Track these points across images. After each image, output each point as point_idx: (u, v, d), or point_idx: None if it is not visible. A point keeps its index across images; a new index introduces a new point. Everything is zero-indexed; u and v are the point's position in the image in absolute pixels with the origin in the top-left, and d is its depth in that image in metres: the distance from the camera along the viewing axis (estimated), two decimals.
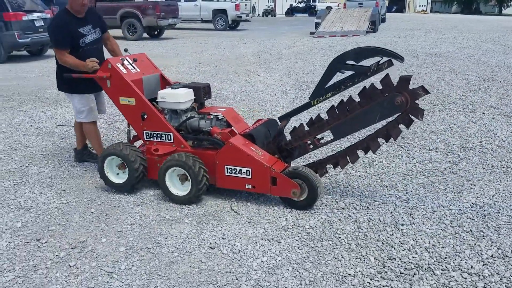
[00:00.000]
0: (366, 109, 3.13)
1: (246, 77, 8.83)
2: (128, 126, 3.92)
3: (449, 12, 51.96)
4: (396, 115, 3.12)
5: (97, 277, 2.57)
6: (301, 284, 2.48)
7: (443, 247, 2.78)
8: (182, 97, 3.58)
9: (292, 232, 3.01)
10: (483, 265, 2.59)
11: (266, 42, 14.94)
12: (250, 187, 3.35)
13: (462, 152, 4.41)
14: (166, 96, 3.60)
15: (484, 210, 3.23)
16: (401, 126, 3.15)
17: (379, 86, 3.09)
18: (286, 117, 3.64)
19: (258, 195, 3.54)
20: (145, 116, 3.56)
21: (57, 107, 6.50)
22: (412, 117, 3.06)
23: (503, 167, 4.03)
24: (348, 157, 3.40)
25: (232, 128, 3.60)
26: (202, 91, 3.77)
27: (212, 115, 3.75)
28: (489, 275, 2.49)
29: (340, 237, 2.94)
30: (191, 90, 3.68)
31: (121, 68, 3.60)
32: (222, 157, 3.37)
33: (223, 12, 20.85)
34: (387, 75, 3.08)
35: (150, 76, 3.84)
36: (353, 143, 3.47)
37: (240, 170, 3.32)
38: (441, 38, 14.74)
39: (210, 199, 3.49)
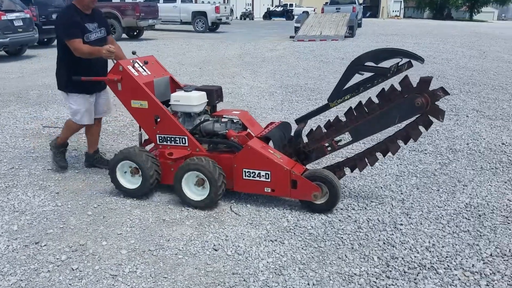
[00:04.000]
0: (385, 110, 3.12)
1: (231, 79, 8.82)
2: (140, 130, 3.80)
3: (422, 18, 53.31)
4: (415, 117, 3.11)
5: (102, 280, 2.52)
6: (308, 284, 2.50)
7: (443, 247, 2.84)
8: (196, 100, 3.51)
9: (294, 233, 3.02)
10: (484, 263, 2.66)
11: (248, 45, 14.97)
12: (269, 191, 3.29)
13: (451, 154, 4.53)
14: (180, 99, 3.53)
15: (479, 210, 3.32)
16: (421, 128, 3.15)
17: (398, 88, 3.09)
18: (303, 120, 3.61)
19: (256, 196, 3.54)
20: (158, 119, 3.48)
21: (41, 108, 6.34)
22: (432, 118, 3.06)
23: (492, 169, 4.16)
24: (366, 159, 3.38)
25: (249, 130, 3.54)
26: (215, 94, 3.73)
27: (226, 118, 3.69)
28: (490, 274, 2.56)
29: (342, 237, 2.97)
30: (204, 93, 3.62)
31: (133, 70, 3.51)
32: (240, 160, 3.30)
33: (203, 14, 20.81)
34: (406, 76, 3.08)
35: (160, 78, 3.76)
36: (371, 145, 3.45)
37: (259, 173, 3.27)
38: (417, 43, 15.11)
39: None
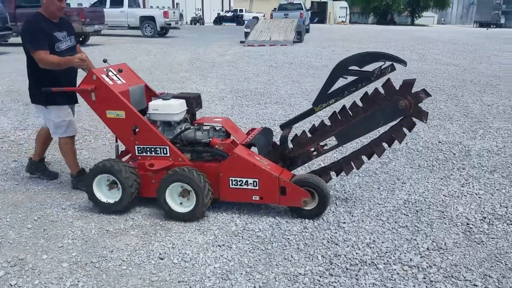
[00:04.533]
0: (370, 113, 3.16)
1: (181, 84, 8.75)
2: (116, 141, 3.66)
3: (367, 23, 55.30)
4: (399, 119, 3.16)
5: None
6: (255, 287, 2.52)
7: (383, 242, 2.96)
8: (176, 108, 3.41)
9: (242, 237, 3.04)
10: (421, 257, 2.80)
11: (198, 50, 14.91)
12: (258, 199, 3.25)
13: (391, 153, 4.73)
14: (159, 107, 3.41)
15: (416, 206, 3.50)
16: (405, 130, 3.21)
17: (381, 91, 3.14)
18: (288, 125, 3.59)
19: None
20: (137, 130, 3.33)
21: None
22: (416, 120, 3.12)
23: (429, 166, 4.39)
24: (352, 163, 3.41)
25: (233, 138, 3.48)
26: (194, 101, 3.64)
27: (208, 125, 3.60)
28: (427, 267, 2.70)
29: (288, 238, 3.02)
30: (183, 101, 3.52)
31: (107, 79, 3.36)
32: (226, 168, 3.24)
33: (151, 19, 20.49)
34: (389, 79, 3.13)
35: (135, 87, 3.63)
36: (357, 149, 3.48)
37: (247, 181, 3.21)
38: (362, 48, 15.65)
39: (156, 209, 3.42)
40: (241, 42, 17.76)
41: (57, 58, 3.45)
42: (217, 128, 3.59)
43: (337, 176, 3.67)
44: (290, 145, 3.57)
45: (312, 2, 51.93)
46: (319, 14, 51.18)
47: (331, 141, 3.41)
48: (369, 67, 3.17)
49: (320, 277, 2.60)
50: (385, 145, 3.33)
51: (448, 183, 3.96)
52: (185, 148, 3.46)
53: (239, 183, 3.24)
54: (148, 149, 3.37)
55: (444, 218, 3.31)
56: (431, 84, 8.59)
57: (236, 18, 39.11)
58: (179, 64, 11.50)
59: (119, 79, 3.52)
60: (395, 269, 2.67)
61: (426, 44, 17.44)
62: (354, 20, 61.99)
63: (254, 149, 3.44)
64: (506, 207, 3.48)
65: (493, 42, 19.11)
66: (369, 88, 3.24)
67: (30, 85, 3.68)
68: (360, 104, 3.27)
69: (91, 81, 3.33)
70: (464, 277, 2.58)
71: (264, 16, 29.73)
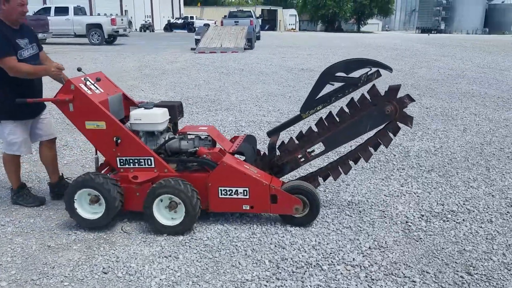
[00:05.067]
0: (357, 119, 3.20)
1: (129, 92, 8.55)
2: (96, 153, 3.50)
3: (315, 30, 56.74)
4: (384, 124, 3.22)
5: None
6: None
7: (327, 244, 3.05)
8: (160, 117, 3.30)
9: (190, 246, 3.03)
10: (363, 256, 2.90)
11: (147, 57, 14.69)
12: (248, 208, 3.20)
13: (335, 155, 4.87)
14: (142, 117, 3.29)
15: (359, 207, 3.62)
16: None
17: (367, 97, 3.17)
18: (275, 132, 3.55)
19: None
20: (119, 141, 3.19)
21: None
22: (401, 125, 3.19)
23: (371, 168, 4.56)
24: (340, 168, 3.44)
25: (219, 146, 3.41)
26: (177, 110, 3.53)
27: (192, 134, 3.51)
28: (369, 266, 2.80)
29: (236, 245, 3.04)
30: (166, 109, 3.41)
31: (85, 89, 3.20)
32: (215, 178, 3.17)
33: (98, 26, 20.03)
34: (374, 85, 3.19)
35: (114, 96, 3.48)
36: (344, 154, 3.51)
37: (236, 190, 3.16)
38: (310, 55, 16.06)
39: None
40: (192, 49, 17.71)
41: (30, 66, 3.27)
42: (203, 137, 3.51)
43: (324, 181, 3.70)
44: (277, 152, 3.58)
45: (262, 10, 52.65)
46: (270, 21, 52.00)
47: (319, 147, 3.44)
48: (355, 74, 3.22)
49: (267, 282, 2.64)
50: (371, 150, 3.40)
51: (388, 183, 4.14)
52: (171, 158, 3.36)
53: (228, 193, 3.18)
54: (131, 160, 3.24)
55: (385, 217, 3.45)
56: None
57: (187, 25, 38.95)
58: (127, 72, 11.29)
59: (97, 88, 3.37)
60: (338, 269, 2.75)
61: (371, 50, 18.14)
62: (303, 27, 63.40)
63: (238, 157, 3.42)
64: (442, 205, 3.68)
65: (434, 47, 20.16)
66: (355, 94, 3.29)
67: None
68: (346, 110, 3.32)
69: (69, 90, 3.16)
70: (404, 274, 2.70)
71: (215, 23, 29.80)
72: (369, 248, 3.00)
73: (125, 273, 2.72)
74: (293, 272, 2.73)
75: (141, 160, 3.23)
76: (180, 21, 42.20)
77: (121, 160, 3.26)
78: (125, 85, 9.40)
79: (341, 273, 2.72)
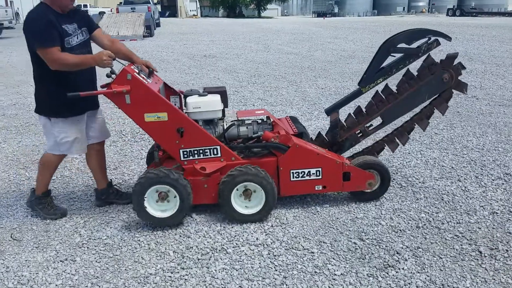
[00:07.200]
0: (416, 89, 3.24)
1: (16, 89, 7.87)
2: (156, 147, 3.27)
3: (217, 16, 56.51)
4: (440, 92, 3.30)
5: None
6: None
7: (232, 227, 3.09)
8: (219, 104, 3.16)
9: (88, 247, 2.88)
10: (266, 235, 2.99)
11: None
12: (321, 188, 3.19)
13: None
14: (201, 105, 3.12)
15: None
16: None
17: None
18: (334, 109, 3.47)
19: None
20: (183, 132, 2.98)
21: None
22: (456, 92, 3.29)
23: None
24: (397, 140, 3.49)
25: (284, 130, 3.24)
26: (226, 96, 3.35)
27: (249, 119, 3.40)
28: (271, 243, 2.90)
29: (139, 240, 2.96)
30: (219, 96, 3.22)
31: (141, 78, 2.89)
32: (287, 162, 3.10)
33: None
34: (429, 55, 3.24)
35: (161, 85, 3.22)
36: (400, 125, 3.53)
37: (309, 172, 3.12)
38: (212, 41, 15.99)
39: None
40: None
41: (76, 57, 2.84)
42: (259, 122, 3.39)
43: (377, 155, 3.69)
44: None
45: None
46: (170, 8, 50.62)
47: (376, 121, 3.47)
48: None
49: (172, 273, 2.61)
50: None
51: None
52: (238, 146, 3.24)
53: (300, 175, 3.15)
54: (195, 151, 3.08)
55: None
56: (274, 72, 9.19)
57: None
58: (14, 67, 10.34)
59: (147, 78, 3.04)
60: (243, 251, 2.81)
61: (271, 35, 18.56)
62: (205, 13, 62.78)
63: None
64: None
65: (328, 30, 21.20)
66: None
67: (37, 94, 3.10)
68: (405, 81, 3.35)
69: (125, 81, 2.84)
70: (303, 247, 2.84)
71: (111, 11, 28.24)
72: (272, 226, 3.10)
73: (16, 283, 2.52)
74: (198, 259, 2.73)
75: (206, 150, 3.09)
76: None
77: (185, 152, 3.09)
78: (13, 81, 8.63)
79: (246, 254, 2.78)
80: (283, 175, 3.17)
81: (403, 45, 3.26)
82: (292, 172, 3.16)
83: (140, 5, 22.84)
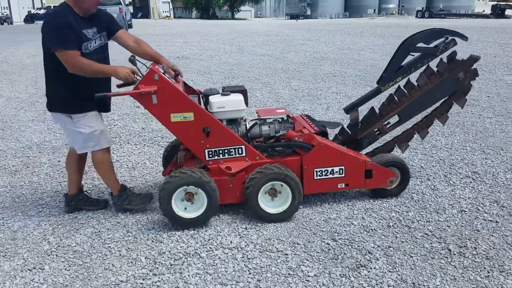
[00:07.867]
0: (435, 86, 3.31)
1: None
2: (180, 148, 3.29)
3: (191, 17, 56.22)
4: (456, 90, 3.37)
5: None
6: None
7: (206, 231, 3.06)
8: (242, 104, 3.16)
9: (57, 255, 2.80)
10: (240, 238, 2.98)
11: (4, 53, 13.12)
12: (343, 186, 3.23)
13: None
14: (225, 104, 3.11)
15: None
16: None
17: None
18: (354, 108, 3.46)
19: (8, 223, 3.13)
20: (208, 132, 2.99)
21: None
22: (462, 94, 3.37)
23: None
24: (417, 133, 3.54)
25: (306, 128, 3.23)
26: (247, 95, 3.33)
27: (271, 118, 3.41)
28: (245, 246, 2.88)
29: (110, 246, 2.90)
30: (241, 95, 3.21)
31: (167, 79, 2.90)
32: (311, 160, 3.13)
33: None
34: (455, 51, 3.26)
35: (181, 85, 3.18)
36: (419, 121, 3.58)
37: (332, 170, 3.16)
38: (186, 42, 15.88)
39: None
40: None
41: (96, 65, 2.84)
42: (279, 120, 3.41)
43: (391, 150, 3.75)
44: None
45: None
46: (142, 9, 50.06)
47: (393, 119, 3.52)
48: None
49: (143, 279, 2.56)
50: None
51: None
52: (263, 145, 3.27)
53: (324, 174, 3.17)
54: (221, 151, 3.09)
55: None
56: (248, 74, 9.19)
57: None
58: None
59: (171, 78, 3.05)
60: (216, 254, 2.79)
61: (244, 37, 18.57)
62: (178, 15, 62.33)
63: None
64: None
65: (301, 32, 21.38)
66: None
67: (50, 92, 3.02)
68: (423, 79, 3.38)
69: (153, 81, 2.86)
70: (277, 248, 2.84)
71: None
72: (245, 228, 3.09)
73: None
74: (171, 265, 2.70)
75: (231, 150, 3.10)
76: (42, 11, 38.38)
77: (210, 152, 3.09)
78: None
79: (219, 258, 2.76)
80: (307, 173, 3.21)
81: (421, 44, 3.36)
82: (316, 171, 3.21)
83: (111, 6, 22.43)
